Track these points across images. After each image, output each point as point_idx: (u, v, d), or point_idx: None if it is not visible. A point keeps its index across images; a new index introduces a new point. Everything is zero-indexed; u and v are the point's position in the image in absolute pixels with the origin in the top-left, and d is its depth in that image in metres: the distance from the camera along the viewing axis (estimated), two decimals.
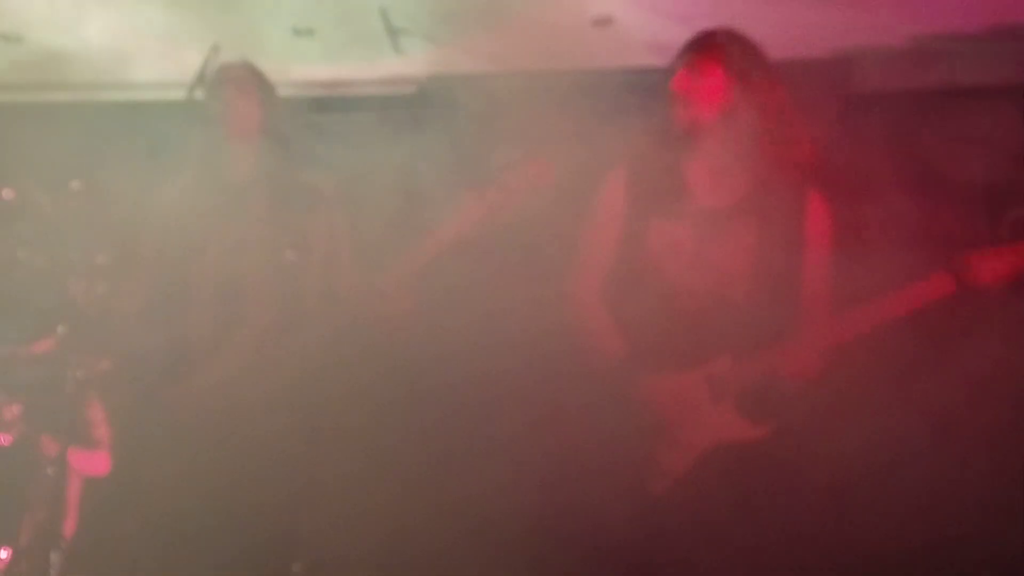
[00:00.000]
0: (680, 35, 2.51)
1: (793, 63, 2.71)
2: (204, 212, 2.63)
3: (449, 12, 3.35)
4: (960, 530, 2.86)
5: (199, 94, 2.79)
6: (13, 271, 3.58)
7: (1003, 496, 2.92)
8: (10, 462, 3.40)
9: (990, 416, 2.92)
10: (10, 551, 3.26)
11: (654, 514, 2.27)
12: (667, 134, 2.45)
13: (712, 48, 2.43)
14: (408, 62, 3.53)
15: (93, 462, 3.37)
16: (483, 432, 2.71)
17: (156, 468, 2.59)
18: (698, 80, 2.41)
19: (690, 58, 2.44)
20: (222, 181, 2.66)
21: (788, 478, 2.29)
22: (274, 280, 2.62)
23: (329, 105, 3.44)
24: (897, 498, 2.96)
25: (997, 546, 2.82)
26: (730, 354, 2.33)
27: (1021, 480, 2.90)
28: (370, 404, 2.58)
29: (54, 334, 3.47)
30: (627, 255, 2.45)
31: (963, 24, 3.22)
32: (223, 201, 2.66)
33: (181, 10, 3.32)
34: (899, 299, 2.30)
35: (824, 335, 2.30)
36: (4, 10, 3.32)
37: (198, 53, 2.92)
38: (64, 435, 3.37)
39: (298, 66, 3.41)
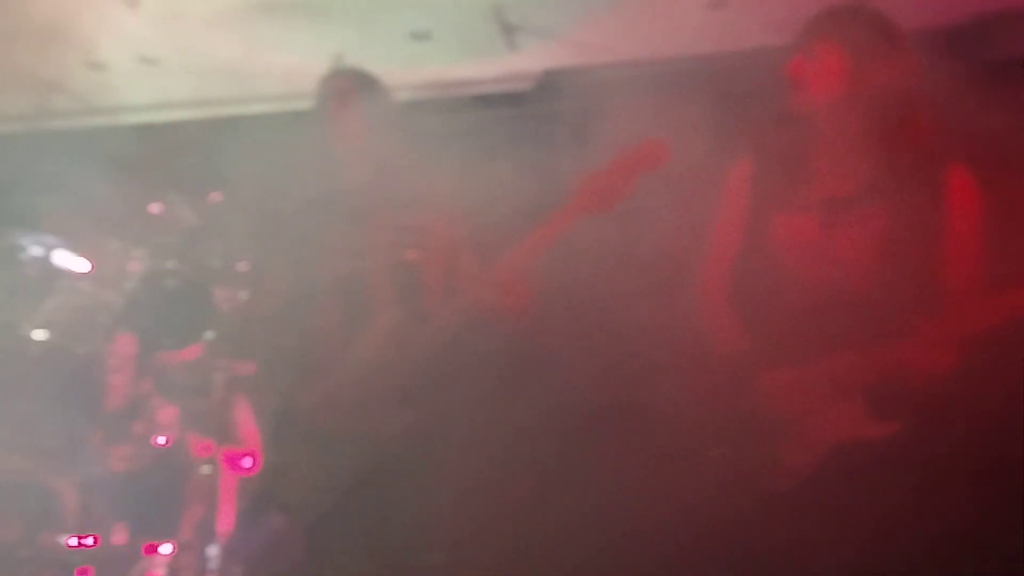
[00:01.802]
0: (798, 11, 2.42)
1: (927, 31, 2.59)
2: (329, 218, 2.71)
3: (562, 5, 3.35)
4: None
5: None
6: (164, 281, 3.79)
7: None
8: (169, 462, 3.60)
9: None
10: (174, 545, 3.46)
11: (777, 513, 2.20)
12: (787, 120, 2.37)
13: (830, 28, 2.32)
14: (523, 58, 3.54)
15: (243, 461, 3.53)
16: (604, 424, 2.71)
17: (297, 465, 2.69)
18: (816, 63, 2.30)
19: (807, 40, 2.34)
20: (343, 187, 2.74)
21: (919, 478, 2.16)
22: (397, 279, 2.68)
23: (447, 106, 3.49)
24: None
25: None
26: (857, 348, 2.22)
27: None
28: (493, 395, 2.61)
29: (202, 340, 3.66)
30: (750, 248, 2.39)
31: None
32: (345, 206, 2.73)
33: (304, 24, 3.43)
34: None
35: (960, 325, 2.17)
36: (141, 36, 3.50)
37: (323, 63, 3.01)
38: (216, 436, 3.55)
39: (417, 69, 3.47)
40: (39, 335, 3.63)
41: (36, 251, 3.74)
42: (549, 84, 3.49)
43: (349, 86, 2.77)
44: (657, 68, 3.07)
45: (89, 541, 3.44)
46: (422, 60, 3.54)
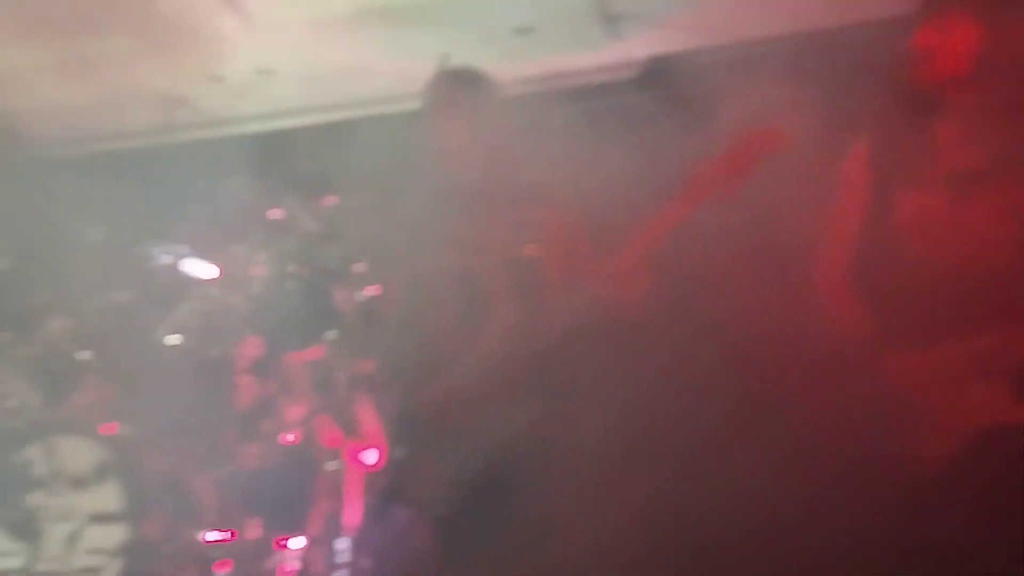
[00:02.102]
0: None
1: None
2: (445, 215, 2.74)
3: None
4: None
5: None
6: (286, 284, 3.91)
7: None
8: (298, 458, 3.72)
9: None
10: (306, 539, 3.57)
11: (918, 502, 2.12)
12: (911, 94, 2.28)
13: None
14: (627, 46, 3.52)
15: (367, 456, 3.62)
16: (730, 414, 2.66)
17: (423, 460, 2.73)
18: (943, 33, 2.20)
19: (933, 9, 2.24)
20: (457, 185, 2.76)
21: None
22: (516, 274, 2.69)
23: (556, 98, 3.50)
24: None
25: None
26: (996, 328, 2.12)
27: None
28: (615, 387, 2.61)
29: (325, 340, 3.76)
30: (874, 228, 2.30)
31: None
32: (461, 203, 2.75)
33: (408, 26, 3.49)
34: None
35: None
36: (255, 47, 3.62)
37: (430, 63, 3.05)
38: (340, 432, 3.65)
39: (521, 64, 3.49)
40: (173, 340, 3.79)
41: (166, 260, 3.92)
42: (658, 70, 3.45)
43: (457, 84, 2.80)
44: (765, 48, 3.00)
45: (227, 536, 3.58)
46: (526, 55, 3.55)
